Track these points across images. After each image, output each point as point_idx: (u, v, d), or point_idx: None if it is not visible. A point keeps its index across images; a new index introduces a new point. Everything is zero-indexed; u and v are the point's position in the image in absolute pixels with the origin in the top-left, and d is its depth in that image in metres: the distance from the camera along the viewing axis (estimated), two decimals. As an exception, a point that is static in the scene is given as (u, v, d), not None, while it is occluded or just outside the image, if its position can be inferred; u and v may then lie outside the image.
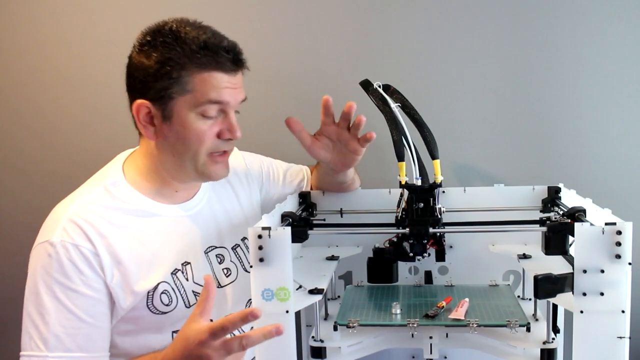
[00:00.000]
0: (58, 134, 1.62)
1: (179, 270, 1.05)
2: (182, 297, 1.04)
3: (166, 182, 1.06)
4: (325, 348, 1.03)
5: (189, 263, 1.07)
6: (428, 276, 1.27)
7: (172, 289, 1.03)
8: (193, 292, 1.06)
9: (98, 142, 1.59)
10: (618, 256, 0.83)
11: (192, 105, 0.98)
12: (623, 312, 0.84)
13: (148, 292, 1.01)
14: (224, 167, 1.06)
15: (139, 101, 0.99)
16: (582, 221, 0.87)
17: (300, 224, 1.06)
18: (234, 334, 0.88)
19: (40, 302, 0.94)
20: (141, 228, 1.03)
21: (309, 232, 1.04)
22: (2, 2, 1.59)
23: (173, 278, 1.04)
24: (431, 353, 1.05)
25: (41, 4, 1.58)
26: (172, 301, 1.03)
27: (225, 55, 0.98)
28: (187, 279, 1.06)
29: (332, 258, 1.21)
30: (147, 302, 1.01)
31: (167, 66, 0.96)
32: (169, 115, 0.98)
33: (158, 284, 1.02)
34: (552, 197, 1.20)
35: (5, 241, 1.66)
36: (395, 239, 1.06)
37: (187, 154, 1.01)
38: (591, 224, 0.84)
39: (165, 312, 1.02)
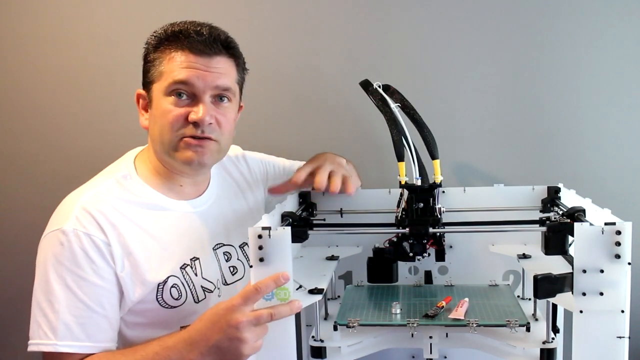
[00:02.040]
0: (59, 134, 1.61)
1: (188, 265, 1.06)
2: (191, 292, 1.05)
3: (169, 176, 1.08)
4: (325, 348, 1.03)
5: (197, 258, 1.08)
6: (428, 276, 1.27)
7: (182, 283, 1.04)
8: (202, 287, 1.07)
9: (100, 142, 1.59)
10: (617, 256, 0.83)
11: (163, 87, 1.00)
12: (622, 312, 0.84)
13: (158, 285, 1.01)
14: (200, 153, 1.02)
15: (138, 90, 1.06)
16: (581, 221, 0.87)
17: (300, 224, 1.06)
18: None
19: (50, 290, 0.94)
20: (151, 221, 1.03)
21: (309, 232, 1.04)
22: (3, 2, 1.59)
23: (182, 272, 1.05)
24: (431, 353, 1.06)
25: (42, 4, 1.58)
26: (181, 295, 1.04)
27: (195, 38, 0.99)
28: (195, 274, 1.06)
29: (332, 258, 1.21)
30: (156, 296, 1.02)
31: (148, 51, 1.03)
32: (151, 100, 1.03)
33: (168, 277, 1.02)
34: (552, 197, 1.20)
35: (6, 241, 1.66)
36: (395, 239, 1.06)
37: (159, 137, 1.02)
38: (591, 224, 0.84)
39: (175, 307, 1.03)
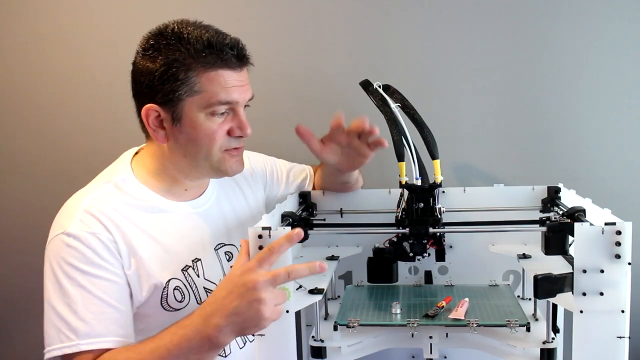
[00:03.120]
0: (59, 134, 1.62)
1: (189, 266, 1.05)
2: (194, 294, 1.05)
3: (177, 181, 1.07)
4: (325, 348, 1.03)
5: (199, 259, 1.07)
6: (428, 276, 1.27)
7: (184, 285, 1.04)
8: (204, 288, 1.06)
9: (100, 142, 1.59)
10: (618, 256, 0.83)
11: (202, 106, 0.98)
12: (623, 312, 0.84)
13: (162, 289, 1.01)
14: (239, 162, 1.07)
15: (148, 105, 0.99)
16: (581, 221, 0.87)
17: (300, 224, 1.06)
18: None
19: (65, 293, 0.93)
20: (152, 224, 1.03)
21: (309, 232, 1.04)
22: (3, 2, 1.59)
23: (184, 274, 1.04)
24: (431, 353, 1.06)
25: (42, 4, 1.58)
26: (184, 297, 1.04)
27: (230, 52, 0.98)
28: (198, 276, 1.06)
29: (332, 258, 1.21)
30: (160, 300, 1.01)
31: (173, 68, 0.96)
32: (178, 117, 0.99)
33: (170, 280, 1.02)
34: (552, 197, 1.20)
35: (6, 241, 1.66)
36: (395, 239, 1.06)
37: (200, 154, 1.02)
38: (591, 224, 0.84)
39: (178, 309, 1.03)
